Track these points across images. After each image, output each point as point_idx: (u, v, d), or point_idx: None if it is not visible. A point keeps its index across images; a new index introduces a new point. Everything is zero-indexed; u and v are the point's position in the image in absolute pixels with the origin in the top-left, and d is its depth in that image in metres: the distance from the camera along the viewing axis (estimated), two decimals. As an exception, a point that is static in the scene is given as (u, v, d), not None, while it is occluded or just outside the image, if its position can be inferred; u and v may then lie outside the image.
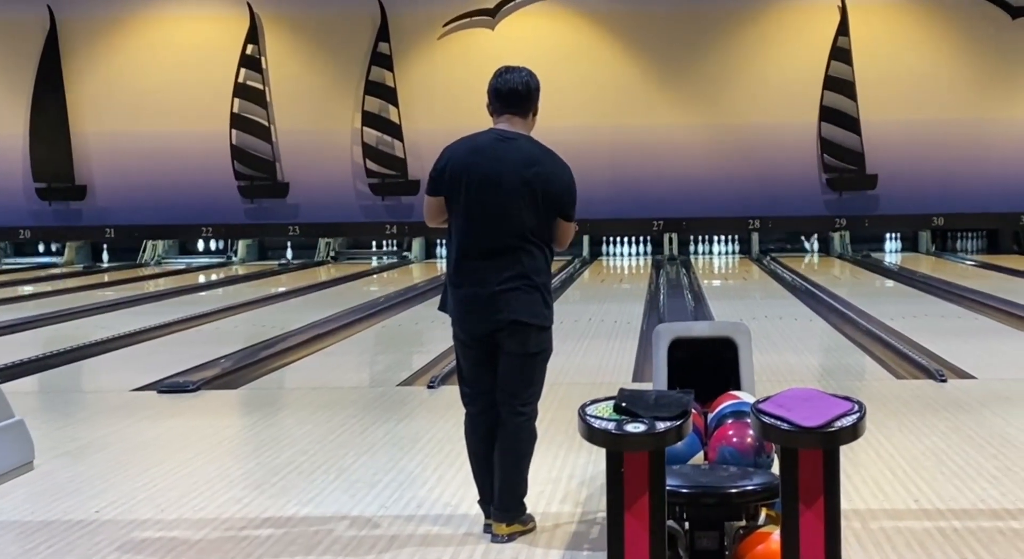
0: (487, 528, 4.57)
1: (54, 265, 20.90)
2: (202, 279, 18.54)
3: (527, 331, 4.52)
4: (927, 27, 20.35)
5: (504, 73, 4.81)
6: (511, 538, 4.47)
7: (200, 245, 21.58)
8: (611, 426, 3.42)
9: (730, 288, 16.16)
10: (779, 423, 3.32)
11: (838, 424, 3.29)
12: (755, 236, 20.86)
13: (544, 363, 4.62)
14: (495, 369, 4.57)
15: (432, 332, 11.10)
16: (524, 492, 4.58)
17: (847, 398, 3.46)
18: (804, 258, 20.41)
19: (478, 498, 4.65)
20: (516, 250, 4.53)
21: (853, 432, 3.29)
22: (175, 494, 5.22)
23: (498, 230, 4.54)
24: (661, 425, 3.41)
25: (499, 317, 4.52)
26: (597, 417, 3.50)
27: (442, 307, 4.85)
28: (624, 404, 3.54)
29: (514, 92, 4.75)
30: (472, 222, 4.59)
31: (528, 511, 4.61)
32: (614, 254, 20.68)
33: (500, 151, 4.63)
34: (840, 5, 20.34)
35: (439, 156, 4.83)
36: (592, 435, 3.45)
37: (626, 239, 20.92)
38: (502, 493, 4.51)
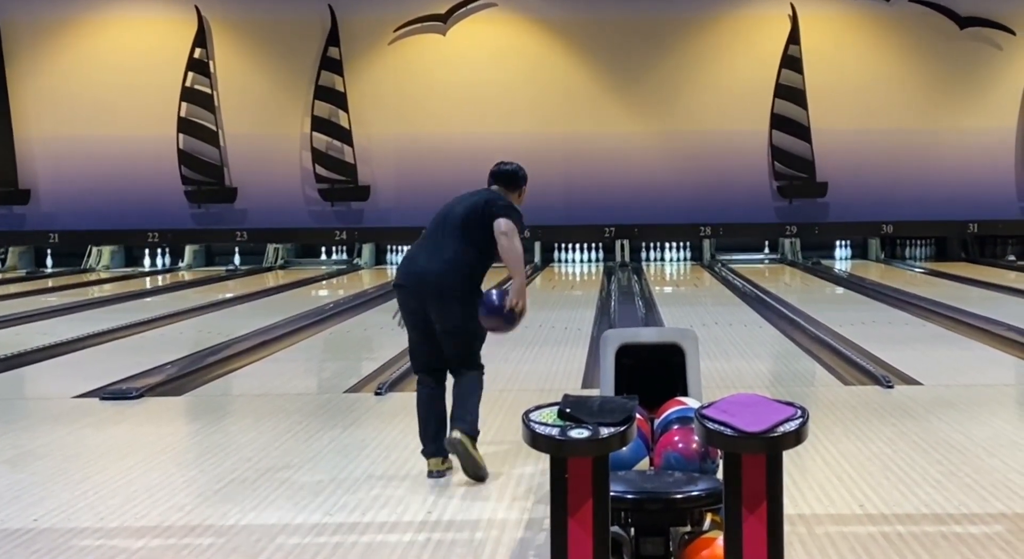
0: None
1: (-4, 270, 20.63)
2: (148, 285, 18.35)
3: None
4: (877, 37, 20.54)
5: (502, 163, 6.09)
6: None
7: (147, 262, 21.34)
8: (555, 432, 3.39)
9: (681, 295, 16.19)
10: (722, 428, 3.30)
11: (781, 429, 3.28)
12: (706, 243, 20.97)
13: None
14: None
15: (380, 338, 11.04)
16: None
17: (790, 404, 3.45)
18: (759, 265, 20.51)
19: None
20: None
21: (796, 437, 3.28)
22: (116, 502, 5.14)
23: None
24: (605, 431, 3.38)
25: None
26: (541, 423, 3.47)
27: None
28: (568, 410, 3.51)
29: (505, 173, 5.96)
30: None
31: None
32: (566, 260, 20.69)
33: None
34: (791, 14, 20.50)
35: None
36: (536, 441, 3.42)
37: (578, 246, 20.95)
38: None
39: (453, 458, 5.51)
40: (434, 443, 5.54)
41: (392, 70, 20.45)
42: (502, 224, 5.55)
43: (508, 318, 5.50)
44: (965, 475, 5.39)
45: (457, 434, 5.38)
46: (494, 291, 5.62)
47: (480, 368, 5.66)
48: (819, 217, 20.70)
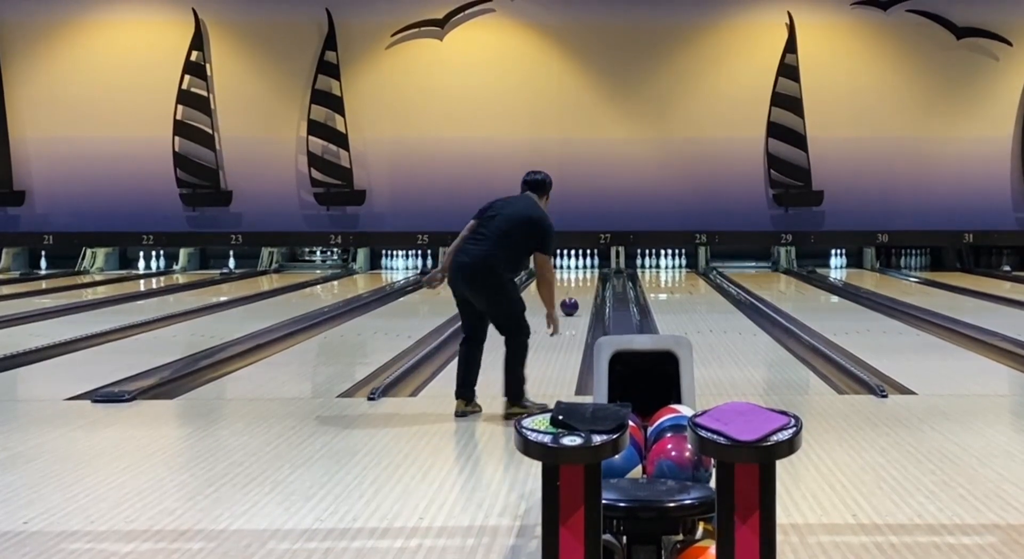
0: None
1: (-10, 271, 20.59)
2: (142, 287, 18.32)
3: None
4: (874, 46, 20.56)
5: (532, 173, 7.39)
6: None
7: (141, 264, 21.33)
8: (547, 439, 3.37)
9: (676, 302, 16.19)
10: (715, 437, 3.29)
11: (774, 438, 3.26)
12: (701, 250, 20.98)
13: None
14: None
15: (375, 343, 11.03)
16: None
17: (784, 412, 3.43)
18: (751, 272, 20.51)
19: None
20: None
21: (789, 446, 3.27)
22: (106, 505, 5.12)
23: None
24: (597, 438, 3.36)
25: None
26: (533, 430, 3.45)
27: None
28: (561, 417, 3.49)
29: (535, 182, 7.31)
30: None
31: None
32: (561, 267, 20.68)
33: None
34: (788, 23, 20.51)
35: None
36: (528, 448, 3.40)
37: (573, 252, 20.94)
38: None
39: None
40: (463, 388, 7.10)
41: (389, 75, 20.44)
42: (546, 264, 7.25)
43: None
44: (958, 485, 5.38)
45: (509, 409, 7.00)
46: None
47: (524, 335, 7.16)
48: (815, 225, 20.71)
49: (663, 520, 3.78)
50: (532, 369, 9.14)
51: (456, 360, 7.30)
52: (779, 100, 20.48)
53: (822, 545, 4.51)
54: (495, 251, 7.04)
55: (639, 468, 4.20)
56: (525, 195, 7.29)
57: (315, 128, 20.51)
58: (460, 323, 7.36)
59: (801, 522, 4.80)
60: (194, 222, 20.69)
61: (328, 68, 20.49)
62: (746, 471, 3.25)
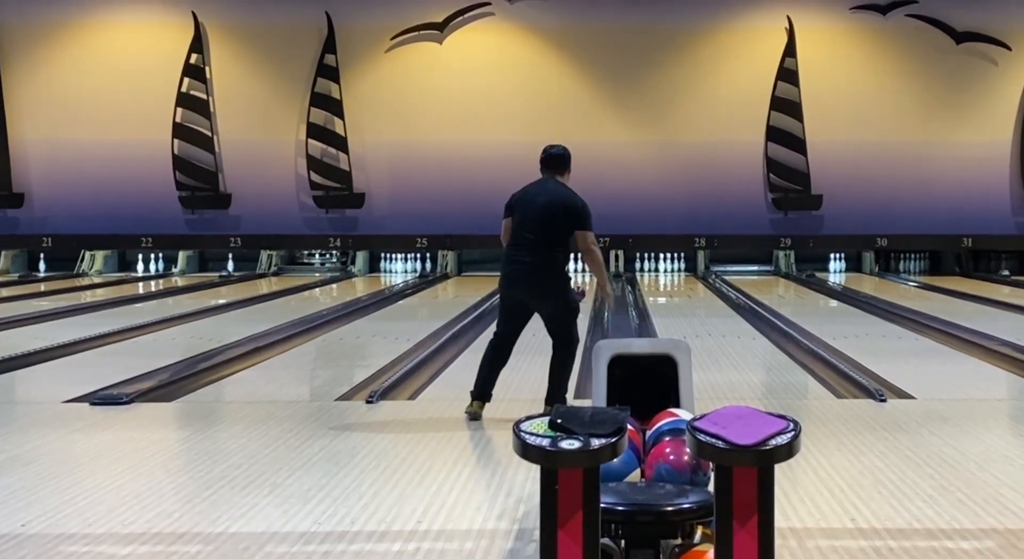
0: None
1: (-11, 274, 20.59)
2: (141, 290, 18.32)
3: None
4: (873, 50, 20.55)
5: (550, 148, 7.38)
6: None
7: (140, 267, 21.32)
8: (546, 443, 3.37)
9: (675, 305, 16.19)
10: (714, 441, 3.29)
11: (773, 442, 3.26)
12: (700, 254, 20.99)
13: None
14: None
15: (373, 346, 11.03)
16: None
17: (782, 416, 3.43)
18: (752, 277, 20.51)
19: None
20: None
21: (788, 450, 3.27)
22: (104, 508, 5.11)
23: None
24: (596, 442, 3.36)
25: None
26: (532, 433, 3.45)
27: None
28: (559, 421, 3.49)
29: (555, 157, 7.31)
30: None
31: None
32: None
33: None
34: (787, 27, 20.51)
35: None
36: (526, 451, 3.40)
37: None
38: None
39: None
40: (485, 388, 7.15)
41: (388, 78, 20.43)
42: (588, 239, 7.19)
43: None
44: (957, 489, 5.38)
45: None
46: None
47: (575, 344, 7.30)
48: (814, 229, 20.69)
49: (661, 524, 3.77)
50: (532, 372, 9.14)
51: (480, 361, 7.29)
52: (778, 104, 20.47)
53: (820, 549, 4.51)
54: (546, 250, 7.10)
55: (637, 472, 4.20)
56: (549, 180, 7.27)
57: (314, 131, 20.50)
58: (497, 324, 7.33)
59: (799, 526, 4.80)
60: (193, 225, 20.68)
61: (328, 71, 20.49)
62: (744, 475, 3.25)
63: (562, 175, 7.31)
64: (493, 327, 7.47)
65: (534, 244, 7.09)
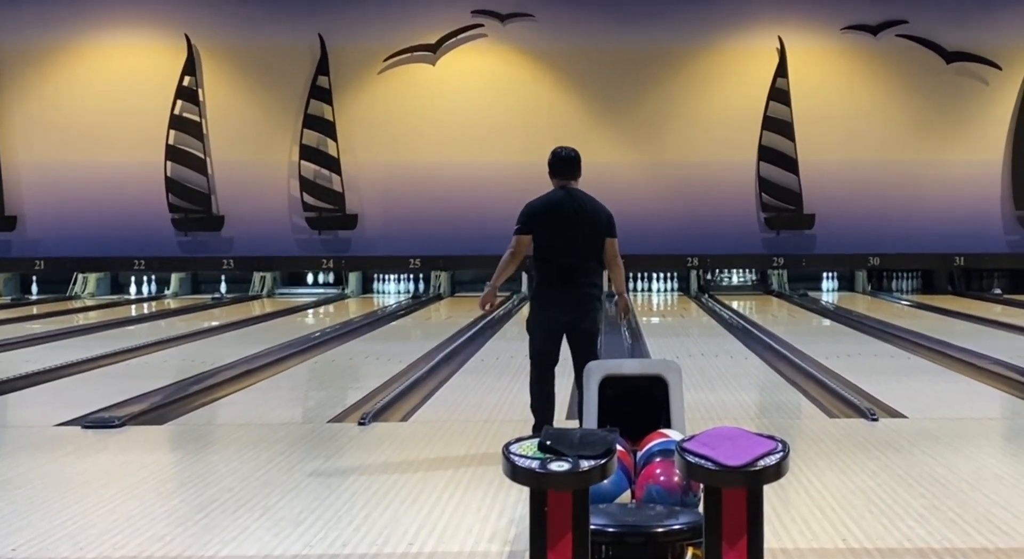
0: None
1: (-19, 297, 20.54)
2: (133, 313, 18.30)
3: None
4: (864, 70, 20.65)
5: (559, 150, 7.20)
6: None
7: (133, 289, 21.31)
8: (535, 464, 3.38)
9: (667, 325, 16.20)
10: (703, 462, 3.30)
11: (761, 463, 3.27)
12: (693, 274, 21.03)
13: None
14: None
15: (366, 368, 11.02)
16: None
17: (771, 437, 3.44)
18: (742, 295, 20.53)
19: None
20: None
21: (776, 471, 3.28)
22: (95, 532, 5.09)
23: None
24: (585, 464, 3.37)
25: None
26: (521, 455, 3.45)
27: None
28: (549, 442, 3.50)
29: (568, 159, 7.14)
30: None
31: None
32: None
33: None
34: (779, 47, 20.60)
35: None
36: (516, 473, 3.40)
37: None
38: None
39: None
40: (541, 415, 6.79)
41: (381, 99, 20.49)
42: (616, 246, 6.99)
43: None
44: (948, 509, 5.38)
45: None
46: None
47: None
48: (806, 249, 20.75)
49: (651, 545, 3.78)
50: (522, 392, 9.14)
51: (530, 388, 7.02)
52: (770, 124, 20.56)
53: (812, 570, 4.50)
54: (596, 265, 6.92)
55: (628, 493, 4.20)
56: (573, 189, 7.06)
57: (307, 152, 20.54)
58: (541, 352, 6.98)
59: (791, 546, 4.79)
60: (186, 247, 20.69)
61: (320, 93, 20.54)
62: (734, 496, 3.26)
63: (577, 181, 7.11)
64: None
65: (583, 261, 6.84)
